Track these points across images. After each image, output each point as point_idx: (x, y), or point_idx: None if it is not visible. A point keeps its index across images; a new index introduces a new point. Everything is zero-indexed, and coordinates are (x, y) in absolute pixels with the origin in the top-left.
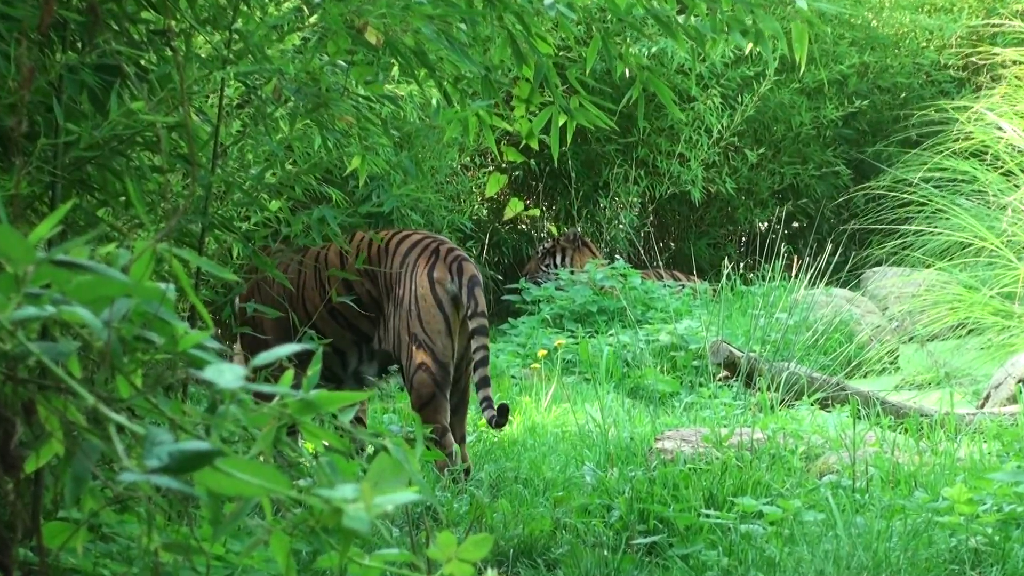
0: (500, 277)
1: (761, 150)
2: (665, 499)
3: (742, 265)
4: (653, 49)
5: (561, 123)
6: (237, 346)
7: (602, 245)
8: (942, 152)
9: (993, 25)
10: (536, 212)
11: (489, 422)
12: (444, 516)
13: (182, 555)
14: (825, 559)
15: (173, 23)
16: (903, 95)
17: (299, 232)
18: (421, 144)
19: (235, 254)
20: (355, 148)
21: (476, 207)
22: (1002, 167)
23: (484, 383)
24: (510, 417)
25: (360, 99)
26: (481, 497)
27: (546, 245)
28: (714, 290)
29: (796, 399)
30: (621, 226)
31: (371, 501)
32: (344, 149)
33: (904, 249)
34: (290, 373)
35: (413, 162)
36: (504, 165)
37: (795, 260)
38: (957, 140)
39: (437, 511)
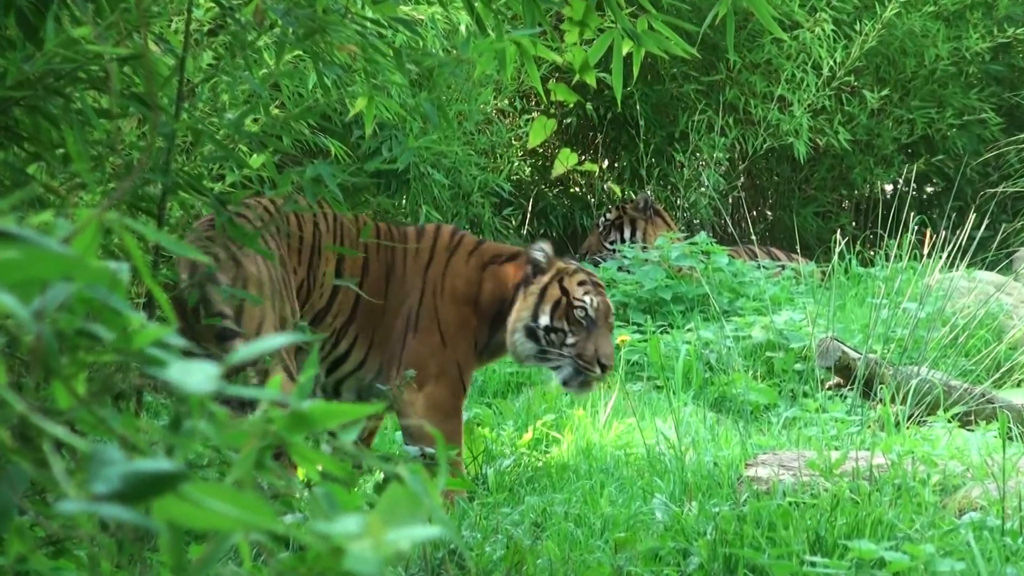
0: None
1: (885, 92)
2: (758, 542)
3: (859, 241)
4: None
5: (625, 52)
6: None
7: (679, 214)
8: None
9: None
10: (593, 167)
11: None
12: (472, 562)
13: None
14: None
15: None
16: None
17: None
18: (446, 83)
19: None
20: (360, 88)
21: (516, 164)
22: None
23: None
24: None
25: (367, 24)
26: (520, 538)
27: (608, 215)
28: (823, 273)
29: (929, 414)
30: (703, 189)
31: (381, 538)
32: (346, 89)
33: None
34: (278, 377)
35: (435, 106)
36: (552, 110)
37: (928, 234)
38: None
39: (463, 556)
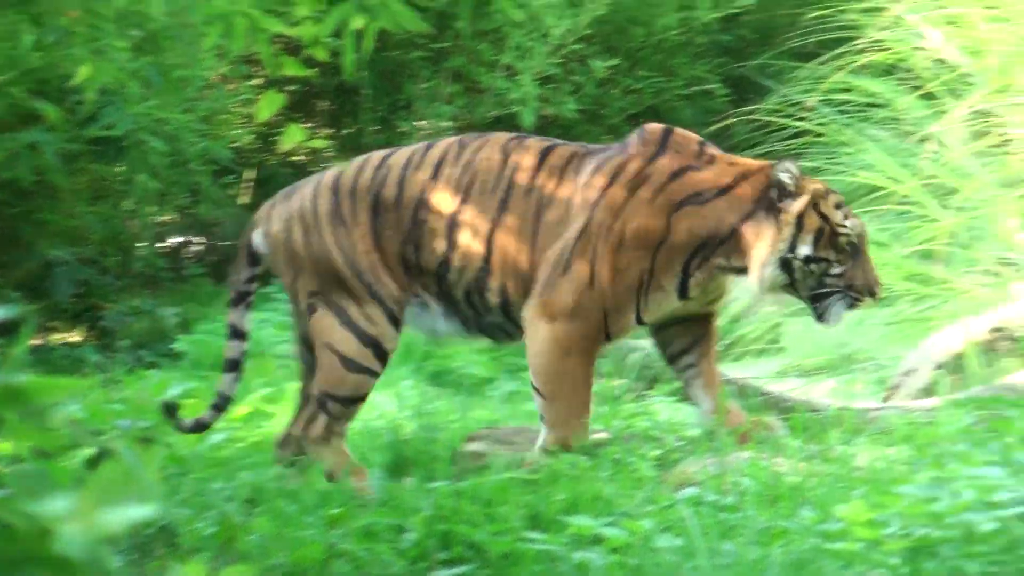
0: None
1: (613, 61)
2: (476, 518)
3: None
4: None
5: (357, 26)
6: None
7: None
8: (847, 67)
9: None
10: (323, 143)
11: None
12: (182, 539)
13: None
14: None
15: None
16: None
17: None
18: (172, 49)
19: None
20: (80, 51)
21: (238, 132)
22: (923, 88)
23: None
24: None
25: None
26: (232, 515)
27: None
28: None
29: (649, 388)
30: None
31: (92, 518)
32: (67, 52)
33: None
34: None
35: (158, 71)
36: (276, 79)
37: None
38: (866, 52)
39: (174, 532)
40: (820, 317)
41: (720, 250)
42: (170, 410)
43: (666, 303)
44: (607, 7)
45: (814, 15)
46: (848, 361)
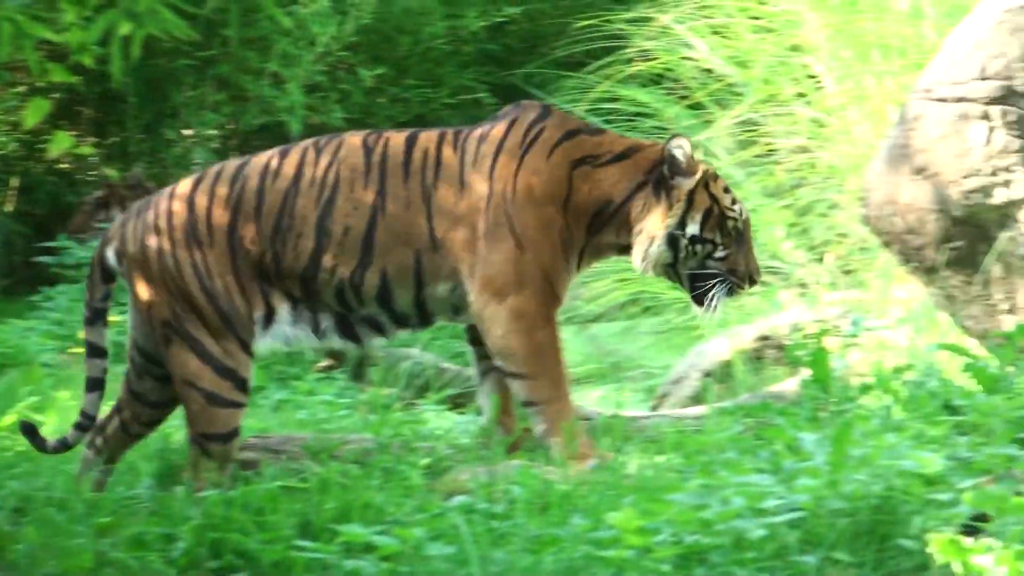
0: (32, 233)
1: (380, 70)
2: (246, 527)
3: None
4: None
5: (124, 33)
6: None
7: None
8: (614, 77)
9: None
10: (90, 150)
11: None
12: None
13: None
14: None
15: None
16: (566, 2)
17: None
18: None
19: None
20: None
21: (2, 139)
22: (690, 97)
23: None
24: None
25: None
26: (0, 524)
27: (99, 193)
28: None
29: (419, 396)
30: (196, 167)
31: None
32: None
33: None
34: None
35: None
36: (42, 85)
37: None
38: (634, 62)
39: None
40: (698, 300)
41: (612, 222)
42: (30, 431)
43: (575, 267)
44: (373, 16)
45: (581, 25)
46: (617, 369)
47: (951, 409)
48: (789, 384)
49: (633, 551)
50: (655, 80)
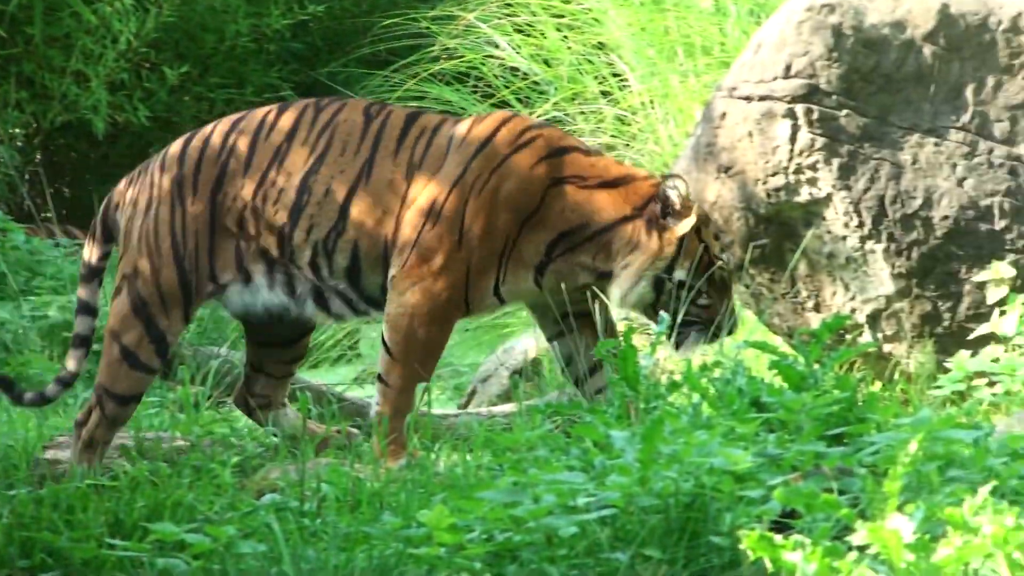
0: None
1: (184, 68)
2: (57, 525)
3: None
4: None
5: None
6: None
7: None
8: (420, 75)
9: None
10: None
11: None
12: None
13: None
14: None
15: None
16: (370, 0)
17: None
18: None
19: None
20: None
21: None
22: (496, 96)
23: None
24: None
25: None
26: None
27: None
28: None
29: (228, 395)
30: None
31: None
32: None
33: None
34: None
35: None
36: None
37: None
38: (439, 60)
39: None
40: (676, 344)
41: (588, 246)
42: (7, 384)
43: (524, 283)
44: (176, 13)
45: (386, 23)
46: None
47: (759, 406)
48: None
49: (445, 549)
50: (461, 78)
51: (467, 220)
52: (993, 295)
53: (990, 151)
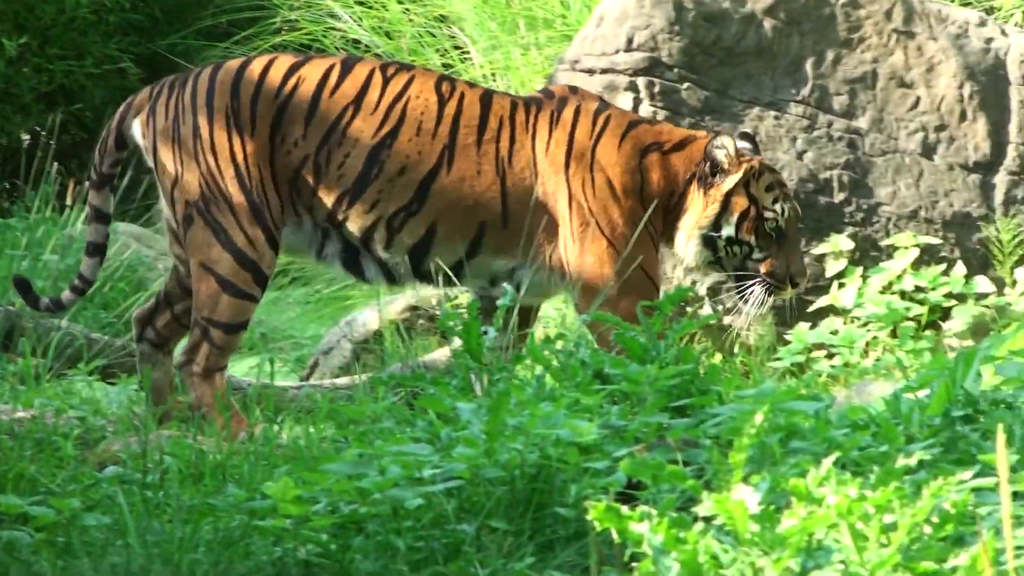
0: None
1: (23, 39)
2: None
3: None
4: None
5: None
6: None
7: None
8: (261, 47)
9: None
10: None
11: None
12: None
13: None
14: (113, 574)
15: None
16: None
17: None
18: None
19: None
20: None
21: None
22: None
23: None
24: None
25: None
26: None
27: None
28: None
29: (70, 367)
30: None
31: None
32: None
33: None
34: None
35: None
36: None
37: (71, 184)
38: (281, 32)
39: None
40: (742, 299)
41: (673, 209)
42: (23, 287)
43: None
44: None
45: None
46: (266, 340)
47: (603, 378)
48: (440, 354)
49: (290, 520)
50: (302, 51)
51: (604, 227)
52: (832, 268)
53: (829, 124)
